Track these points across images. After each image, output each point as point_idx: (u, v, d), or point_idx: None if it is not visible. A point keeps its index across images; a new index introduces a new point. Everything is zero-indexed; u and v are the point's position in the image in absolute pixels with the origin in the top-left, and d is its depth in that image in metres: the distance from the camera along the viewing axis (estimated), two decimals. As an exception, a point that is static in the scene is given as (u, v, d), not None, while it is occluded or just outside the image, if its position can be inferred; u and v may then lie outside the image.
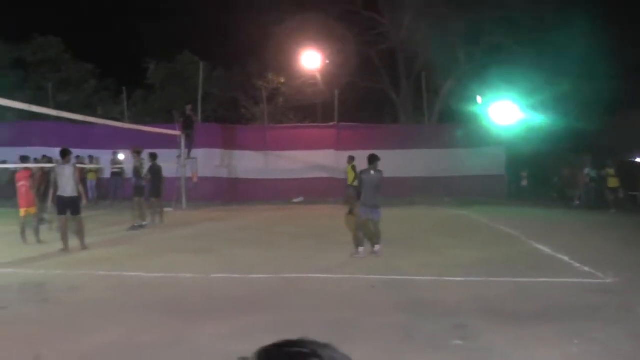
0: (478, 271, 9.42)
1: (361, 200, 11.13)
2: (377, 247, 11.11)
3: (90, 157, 20.65)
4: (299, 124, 27.41)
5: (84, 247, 12.07)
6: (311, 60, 28.12)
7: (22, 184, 13.08)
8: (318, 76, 28.63)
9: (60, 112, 14.55)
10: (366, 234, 11.34)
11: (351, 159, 18.14)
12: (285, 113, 29.70)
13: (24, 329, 6.77)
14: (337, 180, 21.03)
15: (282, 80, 29.48)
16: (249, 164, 23.67)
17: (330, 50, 27.93)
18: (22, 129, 24.37)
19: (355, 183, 17.38)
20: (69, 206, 12.04)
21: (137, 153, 15.87)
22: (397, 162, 20.78)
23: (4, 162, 19.05)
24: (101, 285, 8.94)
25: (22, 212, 12.97)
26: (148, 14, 34.86)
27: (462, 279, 8.99)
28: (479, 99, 26.32)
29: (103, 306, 7.75)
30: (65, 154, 12.34)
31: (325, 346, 1.32)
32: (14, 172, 21.68)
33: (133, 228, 15.10)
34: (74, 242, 12.07)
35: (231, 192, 23.28)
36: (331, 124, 24.73)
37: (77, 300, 8.07)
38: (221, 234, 14.47)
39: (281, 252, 11.67)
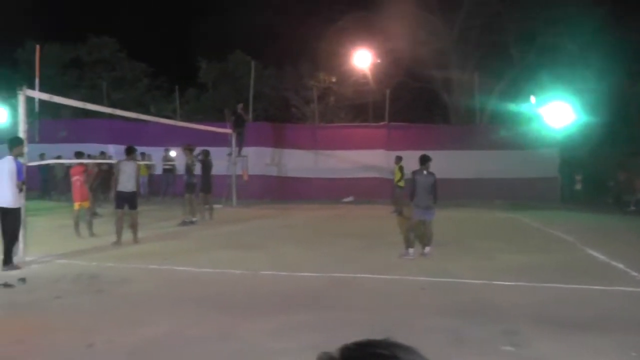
0: (529, 276, 9.22)
1: (414, 202, 11.04)
2: (427, 249, 11.01)
3: (142, 154, 21.00)
4: (349, 124, 27.41)
5: (136, 241, 12.36)
6: (362, 59, 28.05)
7: (77, 179, 13.45)
8: (369, 75, 28.54)
9: (114, 109, 14.85)
10: (417, 235, 11.23)
11: (398, 159, 18.06)
12: (336, 112, 29.71)
13: (77, 318, 6.94)
14: (388, 181, 20.92)
15: (333, 79, 29.49)
16: (299, 162, 23.78)
17: (381, 50, 27.81)
18: (77, 126, 24.97)
19: (402, 183, 17.35)
20: (127, 201, 12.43)
21: (188, 150, 16.09)
22: (447, 163, 20.55)
23: (59, 157, 19.53)
24: (152, 279, 9.12)
25: (76, 205, 13.34)
26: (200, 14, 35.38)
27: (513, 283, 8.83)
28: (532, 99, 25.85)
29: (154, 299, 7.90)
30: (130, 151, 12.82)
31: (408, 350, 1.30)
32: (68, 167, 22.31)
33: (183, 224, 15.33)
34: (126, 236, 12.32)
35: (281, 190, 23.42)
36: (381, 123, 24.65)
37: (129, 292, 8.25)
38: (270, 231, 14.59)
39: (330, 251, 11.68)
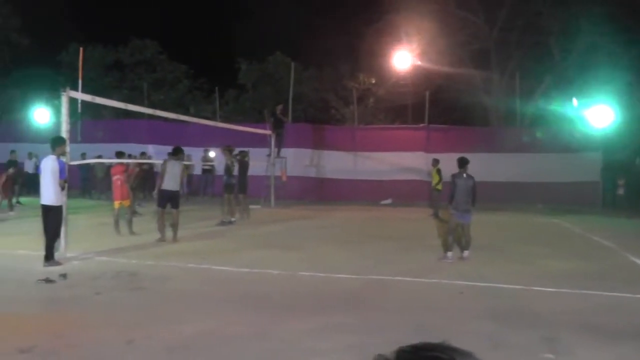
0: (570, 283, 9.05)
1: (453, 204, 10.98)
2: (465, 253, 10.94)
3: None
4: (389, 125, 27.33)
5: (175, 239, 12.56)
6: (402, 60, 27.86)
7: (117, 178, 13.72)
8: (409, 77, 28.39)
9: (154, 110, 15.06)
10: (455, 238, 11.15)
11: (435, 162, 17.90)
12: (375, 114, 29.63)
13: (117, 314, 7.08)
14: (426, 183, 20.76)
15: (373, 81, 29.43)
16: (338, 164, 23.78)
17: (421, 51, 27.65)
18: (118, 127, 25.42)
19: (439, 186, 17.21)
20: (170, 200, 12.73)
21: (228, 151, 16.21)
22: (487, 166, 20.36)
23: (99, 157, 19.88)
24: (190, 277, 9.26)
25: (116, 204, 13.62)
26: (241, 15, 35.66)
27: (553, 289, 8.69)
28: (574, 101, 25.40)
29: (192, 297, 8.00)
30: (177, 151, 13.11)
31: (466, 354, 1.29)
32: (109, 167, 22.71)
33: (222, 223, 15.46)
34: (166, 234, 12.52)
35: (319, 192, 23.47)
36: (421, 125, 24.49)
37: (168, 290, 8.39)
38: (308, 232, 14.63)
39: (368, 253, 11.66)
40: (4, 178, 16.66)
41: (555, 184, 21.70)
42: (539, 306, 7.72)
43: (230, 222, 15.66)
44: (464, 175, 10.96)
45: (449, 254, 10.85)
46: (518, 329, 6.62)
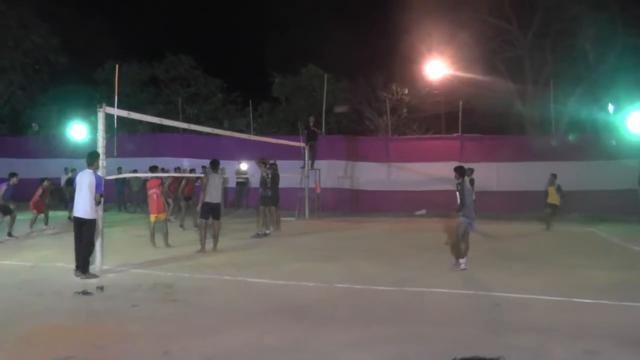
0: (610, 294, 8.83)
1: (464, 212, 11.10)
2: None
3: (203, 167, 20.91)
4: (422, 135, 27.23)
5: (215, 249, 12.92)
6: (435, 70, 27.75)
7: (153, 192, 13.95)
8: (442, 86, 28.25)
9: (189, 124, 15.25)
10: (467, 245, 11.27)
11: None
12: (409, 124, 29.53)
13: (153, 326, 7.13)
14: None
15: (406, 91, 29.35)
16: (372, 175, 23.73)
17: (454, 60, 27.49)
18: (152, 141, 25.73)
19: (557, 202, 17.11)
20: (212, 212, 13.11)
21: (262, 164, 16.26)
22: (522, 175, 20.17)
23: (135, 171, 20.10)
24: (226, 290, 9.28)
25: (152, 217, 13.88)
26: (273, 29, 35.99)
27: (593, 301, 8.49)
28: (610, 107, 24.98)
29: (228, 309, 8.02)
30: (216, 164, 13.46)
31: None
32: (144, 180, 22.93)
33: (257, 236, 15.51)
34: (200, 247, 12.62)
35: (353, 203, 23.42)
36: (454, 135, 24.32)
37: (203, 302, 8.41)
38: (343, 244, 14.58)
39: (403, 264, 11.56)
40: (40, 191, 16.85)
41: (593, 192, 21.24)
42: (580, 318, 7.56)
43: (266, 235, 15.69)
44: (468, 184, 11.32)
45: (462, 260, 10.96)
46: (560, 341, 6.49)
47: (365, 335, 6.69)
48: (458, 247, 11.25)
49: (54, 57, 31.34)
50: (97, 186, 10.06)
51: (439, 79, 28.13)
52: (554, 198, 17.56)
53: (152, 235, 13.77)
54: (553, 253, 13.12)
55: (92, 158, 10.29)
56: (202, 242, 12.90)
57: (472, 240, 11.44)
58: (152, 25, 38.06)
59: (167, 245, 13.63)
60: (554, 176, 17.78)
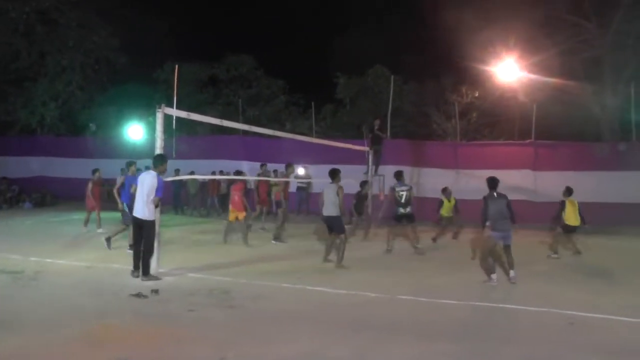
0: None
1: (490, 226, 10.89)
2: (512, 273, 10.71)
3: (275, 171, 20.45)
4: (493, 141, 26.31)
5: (339, 265, 11.91)
6: (508, 72, 26.83)
7: (235, 193, 14.64)
8: (514, 89, 27.33)
9: (250, 126, 14.97)
10: (496, 259, 11.09)
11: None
12: (479, 129, 28.73)
13: (210, 331, 7.12)
14: (535, 204, 19.77)
15: (477, 94, 28.57)
16: (438, 181, 22.98)
17: (528, 61, 26.54)
18: (211, 143, 25.71)
19: None
20: (329, 223, 12.27)
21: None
22: (600, 185, 19.13)
23: (192, 173, 19.96)
24: (285, 297, 9.16)
25: (231, 216, 14.47)
26: (339, 29, 35.67)
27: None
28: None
29: (287, 317, 7.92)
30: (335, 174, 12.36)
31: None
32: (203, 183, 22.90)
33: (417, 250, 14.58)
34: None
35: (419, 211, 22.73)
36: (527, 141, 23.39)
37: (262, 309, 8.32)
38: (407, 253, 14.14)
39: (472, 277, 11.09)
40: (90, 185, 16.62)
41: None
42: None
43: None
44: (495, 194, 10.99)
45: (493, 276, 10.58)
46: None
47: (429, 350, 6.54)
48: (486, 262, 10.96)
49: (114, 58, 31.75)
50: (158, 189, 10.05)
51: (511, 81, 27.19)
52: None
53: (226, 233, 14.38)
54: (632, 270, 12.16)
55: (158, 161, 10.29)
56: (326, 254, 12.39)
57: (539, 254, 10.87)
58: (214, 25, 38.41)
59: (247, 245, 14.16)
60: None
